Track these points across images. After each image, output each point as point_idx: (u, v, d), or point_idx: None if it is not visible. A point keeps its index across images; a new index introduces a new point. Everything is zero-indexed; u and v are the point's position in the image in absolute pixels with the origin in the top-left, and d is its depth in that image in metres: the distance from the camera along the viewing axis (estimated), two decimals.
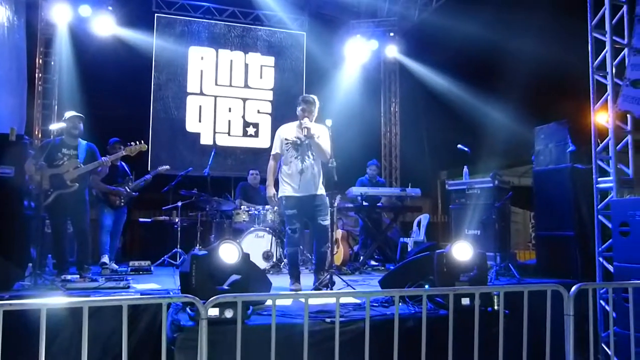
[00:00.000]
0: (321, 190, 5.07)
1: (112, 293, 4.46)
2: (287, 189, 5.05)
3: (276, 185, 5.26)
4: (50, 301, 2.65)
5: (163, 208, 7.78)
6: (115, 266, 6.25)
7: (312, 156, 5.04)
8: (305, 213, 5.10)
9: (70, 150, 5.47)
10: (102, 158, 5.59)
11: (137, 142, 5.82)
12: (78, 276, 5.22)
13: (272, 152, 5.23)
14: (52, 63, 9.21)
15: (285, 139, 5.10)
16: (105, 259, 6.28)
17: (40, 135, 8.97)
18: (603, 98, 5.20)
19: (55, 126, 5.62)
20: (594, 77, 5.27)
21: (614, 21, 5.17)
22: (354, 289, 4.98)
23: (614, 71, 5.12)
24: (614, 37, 5.15)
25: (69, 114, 5.61)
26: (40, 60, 9.17)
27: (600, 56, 5.24)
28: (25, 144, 5.78)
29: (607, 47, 5.17)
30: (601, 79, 5.23)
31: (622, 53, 5.11)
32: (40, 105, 9.13)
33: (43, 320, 2.46)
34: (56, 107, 9.15)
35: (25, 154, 5.48)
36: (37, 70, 9.10)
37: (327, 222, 5.03)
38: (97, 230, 6.41)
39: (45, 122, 9.02)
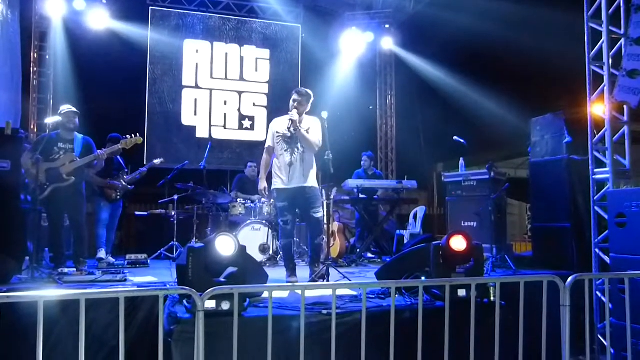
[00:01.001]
0: (312, 183, 5.04)
1: (109, 286, 4.46)
2: (277, 182, 5.07)
3: (271, 177, 5.28)
4: (48, 294, 2.64)
5: (159, 201, 7.77)
6: (112, 259, 6.25)
7: (302, 149, 5.02)
8: (297, 205, 5.10)
9: (66, 144, 5.45)
10: (98, 151, 5.57)
11: (132, 135, 5.81)
12: (75, 269, 5.22)
13: (265, 146, 5.25)
14: (47, 57, 9.20)
15: (277, 132, 5.09)
16: (102, 252, 6.28)
17: (36, 130, 8.94)
18: (599, 89, 5.19)
19: (50, 120, 5.60)
20: (590, 67, 5.27)
21: (610, 11, 5.16)
22: (351, 281, 4.99)
23: (610, 62, 5.11)
24: (611, 27, 5.14)
25: (64, 108, 5.58)
26: (35, 54, 9.14)
27: (597, 46, 5.23)
28: (21, 138, 5.74)
29: (604, 38, 5.16)
30: (598, 69, 5.23)
31: (619, 43, 5.09)
32: (35, 100, 9.11)
33: (40, 312, 2.46)
34: (52, 101, 9.14)
35: (21, 147, 5.45)
36: (32, 64, 9.07)
37: (320, 214, 5.03)
38: (94, 223, 6.40)
39: (41, 116, 8.99)
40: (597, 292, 4.92)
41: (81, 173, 5.53)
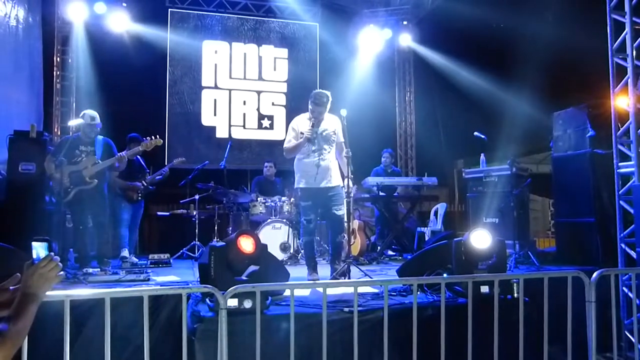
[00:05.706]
0: (336, 181, 5.07)
1: (133, 285, 4.51)
2: (302, 182, 5.08)
3: (292, 175, 5.28)
4: (73, 293, 2.69)
5: (181, 202, 7.85)
6: (135, 259, 6.33)
7: (329, 149, 5.05)
8: (320, 204, 5.11)
9: (87, 147, 5.49)
10: (120, 153, 5.61)
11: (153, 137, 5.82)
12: (99, 269, 5.30)
13: (286, 145, 5.18)
14: (70, 61, 9.35)
15: (302, 133, 5.07)
16: (125, 252, 6.36)
17: (59, 133, 9.11)
18: (623, 81, 5.09)
19: (73, 122, 5.64)
20: (613, 59, 5.17)
21: (634, 1, 5.05)
22: (372, 278, 4.98)
23: (634, 53, 5.01)
24: (634, 18, 5.03)
25: (90, 115, 5.51)
26: (58, 58, 9.30)
27: (620, 38, 5.13)
28: (45, 141, 5.86)
29: (627, 29, 5.05)
30: (621, 61, 5.13)
31: None
32: (58, 103, 9.28)
33: (67, 311, 2.51)
34: (74, 104, 9.30)
35: (46, 150, 5.54)
36: (55, 68, 9.23)
37: (342, 212, 5.04)
38: (116, 224, 6.49)
39: (64, 119, 9.15)
40: (624, 288, 4.83)
41: (103, 175, 5.59)
